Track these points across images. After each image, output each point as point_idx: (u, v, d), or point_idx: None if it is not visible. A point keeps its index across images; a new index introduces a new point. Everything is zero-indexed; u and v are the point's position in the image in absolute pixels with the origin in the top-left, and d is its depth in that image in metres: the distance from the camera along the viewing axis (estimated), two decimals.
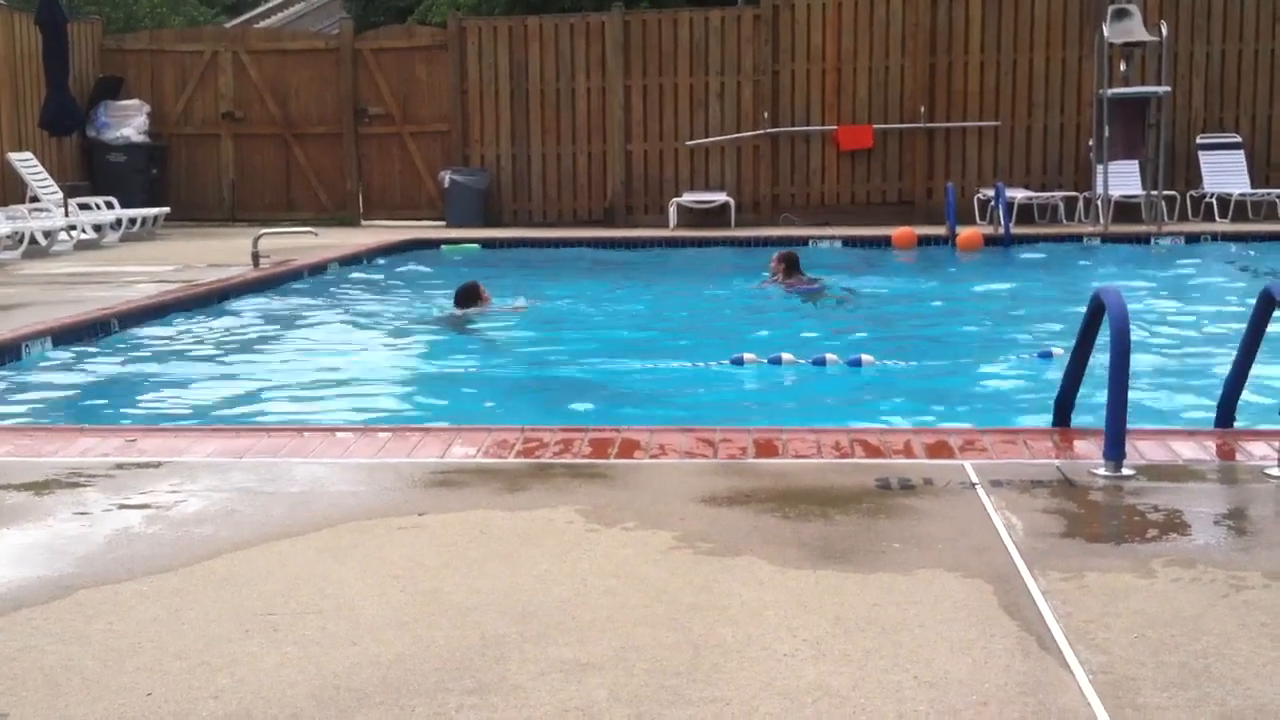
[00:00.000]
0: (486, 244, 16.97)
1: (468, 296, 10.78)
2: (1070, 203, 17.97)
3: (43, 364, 8.48)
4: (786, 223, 18.41)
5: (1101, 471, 4.78)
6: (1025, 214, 17.53)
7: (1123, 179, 17.37)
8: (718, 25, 18.74)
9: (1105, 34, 16.79)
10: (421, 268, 15.02)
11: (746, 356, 8.04)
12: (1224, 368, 5.75)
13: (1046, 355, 8.06)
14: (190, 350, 9.28)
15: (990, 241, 15.92)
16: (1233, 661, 3.13)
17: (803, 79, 18.63)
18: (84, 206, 16.88)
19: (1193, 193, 17.83)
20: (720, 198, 18.54)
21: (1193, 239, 16.20)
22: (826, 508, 4.43)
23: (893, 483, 4.73)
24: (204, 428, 6.30)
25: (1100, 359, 5.19)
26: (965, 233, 15.98)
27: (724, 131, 18.79)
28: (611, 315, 11.36)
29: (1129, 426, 4.83)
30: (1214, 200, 17.53)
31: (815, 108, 18.64)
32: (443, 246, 16.83)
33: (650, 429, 5.66)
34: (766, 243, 16.80)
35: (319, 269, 13.81)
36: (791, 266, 11.91)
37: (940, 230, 16.37)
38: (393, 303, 12.11)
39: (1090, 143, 17.73)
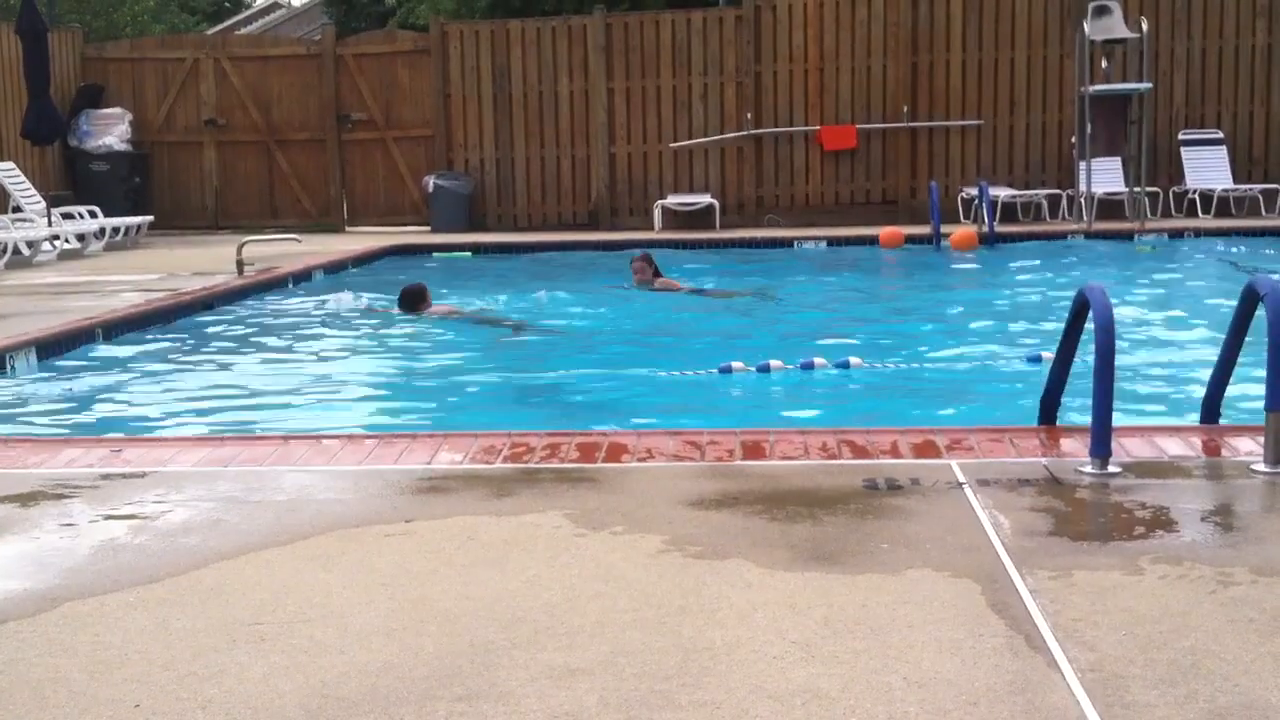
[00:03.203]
0: (473, 249, 16.96)
1: (413, 299, 10.82)
2: (1054, 200, 18.02)
3: (26, 374, 8.45)
4: (771, 223, 18.43)
5: (1088, 469, 4.79)
6: (1009, 212, 17.58)
7: (1105, 176, 17.43)
8: (699, 26, 18.75)
9: (1086, 31, 16.85)
10: (407, 274, 14.97)
11: (735, 365, 8.02)
12: (1209, 364, 5.77)
13: (1035, 359, 8.03)
14: (175, 359, 9.25)
15: None
16: (1221, 658, 3.14)
17: (785, 79, 18.65)
18: (67, 216, 16.81)
19: (1175, 189, 17.89)
20: (705, 200, 18.55)
21: (1176, 235, 16.25)
22: (814, 509, 4.43)
23: (880, 483, 4.73)
24: (189, 437, 6.28)
25: (1086, 356, 5.20)
26: (958, 232, 16.00)
27: (707, 133, 18.80)
28: (598, 321, 11.36)
29: (1115, 424, 4.84)
30: (1197, 196, 17.60)
31: (798, 108, 18.67)
32: (434, 253, 16.81)
33: (637, 433, 5.65)
34: (753, 244, 16.86)
35: (304, 276, 13.78)
36: (654, 267, 12.37)
37: (925, 229, 16.40)
38: (378, 309, 12.07)
39: (1073, 140, 17.78)
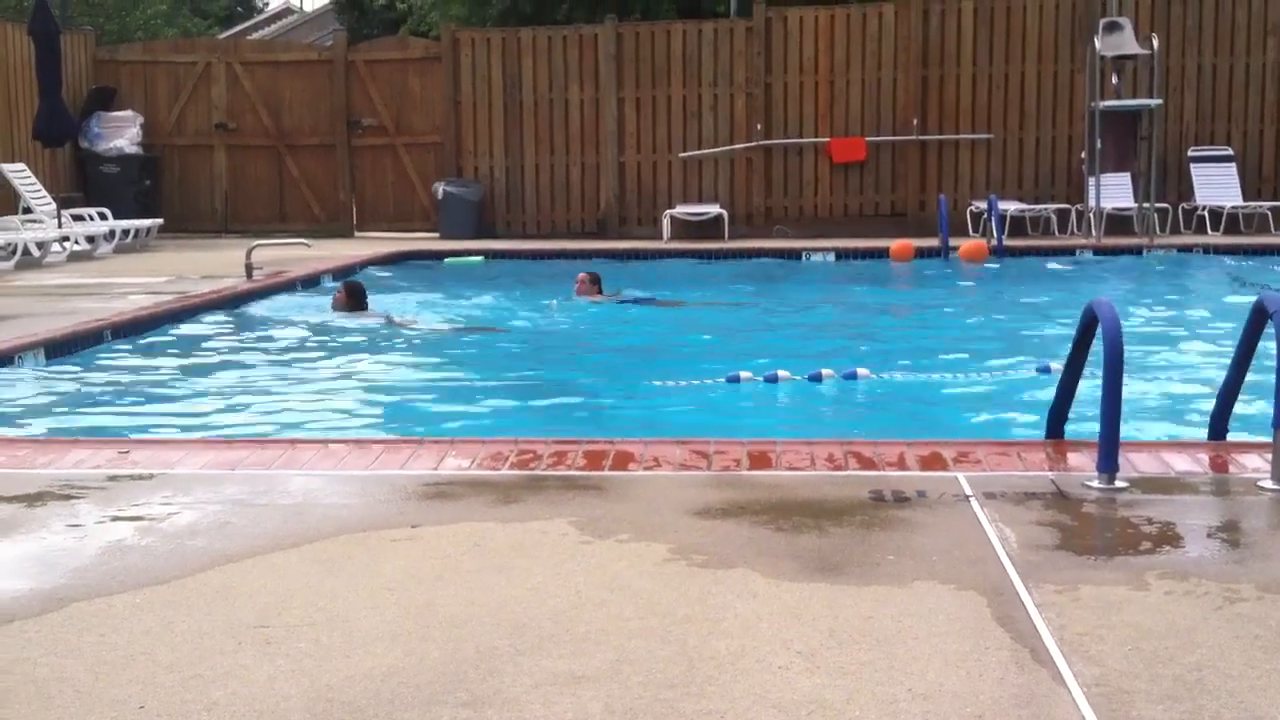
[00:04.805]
0: (484, 255, 16.97)
1: (360, 295, 11.42)
2: (1063, 215, 18.01)
3: (35, 375, 8.47)
4: (780, 235, 18.42)
5: (1095, 484, 4.78)
6: (1018, 226, 17.57)
7: (1115, 191, 17.42)
8: (710, 37, 18.77)
9: (1097, 47, 16.85)
10: (416, 280, 15.01)
11: (743, 375, 8.02)
12: (1217, 380, 5.76)
13: (1045, 370, 8.02)
14: (183, 362, 9.27)
15: None
16: (1226, 674, 3.13)
17: (795, 91, 18.66)
18: (77, 218, 16.85)
19: (1185, 205, 17.88)
20: (713, 210, 18.56)
21: (1184, 251, 16.23)
22: (820, 520, 4.43)
23: (886, 495, 4.72)
24: (197, 439, 6.29)
25: (1094, 371, 5.19)
26: (969, 243, 15.98)
27: (717, 143, 18.82)
28: (607, 330, 11.35)
29: (1122, 439, 4.83)
30: (1206, 213, 17.58)
31: (808, 120, 18.68)
32: (446, 260, 16.83)
33: (644, 441, 5.65)
34: (760, 255, 16.86)
35: (312, 281, 13.81)
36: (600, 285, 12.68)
37: (934, 242, 16.40)
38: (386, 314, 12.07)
39: (1082, 155, 17.78)
